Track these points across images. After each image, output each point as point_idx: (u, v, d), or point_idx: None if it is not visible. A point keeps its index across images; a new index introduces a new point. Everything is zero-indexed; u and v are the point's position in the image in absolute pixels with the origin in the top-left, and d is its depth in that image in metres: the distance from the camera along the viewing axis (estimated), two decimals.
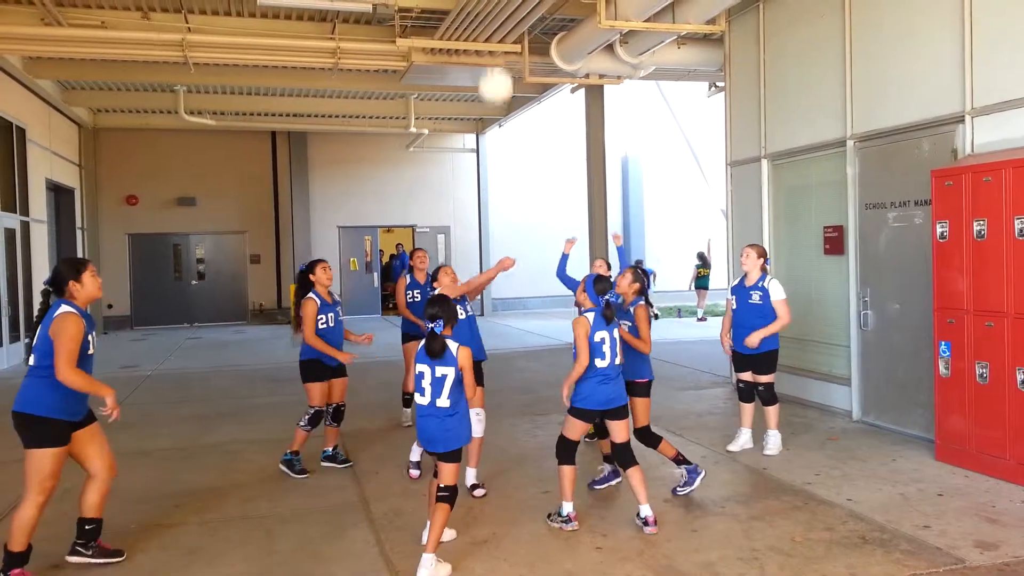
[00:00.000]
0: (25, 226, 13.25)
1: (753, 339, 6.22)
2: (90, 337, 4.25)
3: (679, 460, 5.39)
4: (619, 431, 4.95)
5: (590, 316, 4.86)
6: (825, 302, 8.05)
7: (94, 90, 15.43)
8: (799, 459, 6.24)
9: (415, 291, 7.61)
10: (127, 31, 10.13)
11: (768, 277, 6.39)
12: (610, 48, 10.36)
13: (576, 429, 4.96)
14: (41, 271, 14.15)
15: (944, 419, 6.05)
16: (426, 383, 4.31)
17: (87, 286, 4.29)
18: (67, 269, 4.31)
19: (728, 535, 4.69)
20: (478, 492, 5.56)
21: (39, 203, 14.16)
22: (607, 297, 4.90)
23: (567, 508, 4.85)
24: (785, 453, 6.41)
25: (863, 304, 7.35)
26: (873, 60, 7.27)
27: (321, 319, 6.04)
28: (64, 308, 4.18)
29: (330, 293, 6.25)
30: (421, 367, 4.33)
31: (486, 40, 9.87)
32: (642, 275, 5.50)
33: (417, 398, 4.36)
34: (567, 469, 4.90)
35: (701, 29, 9.01)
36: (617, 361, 4.88)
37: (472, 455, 5.64)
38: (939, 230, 6.03)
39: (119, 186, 18.23)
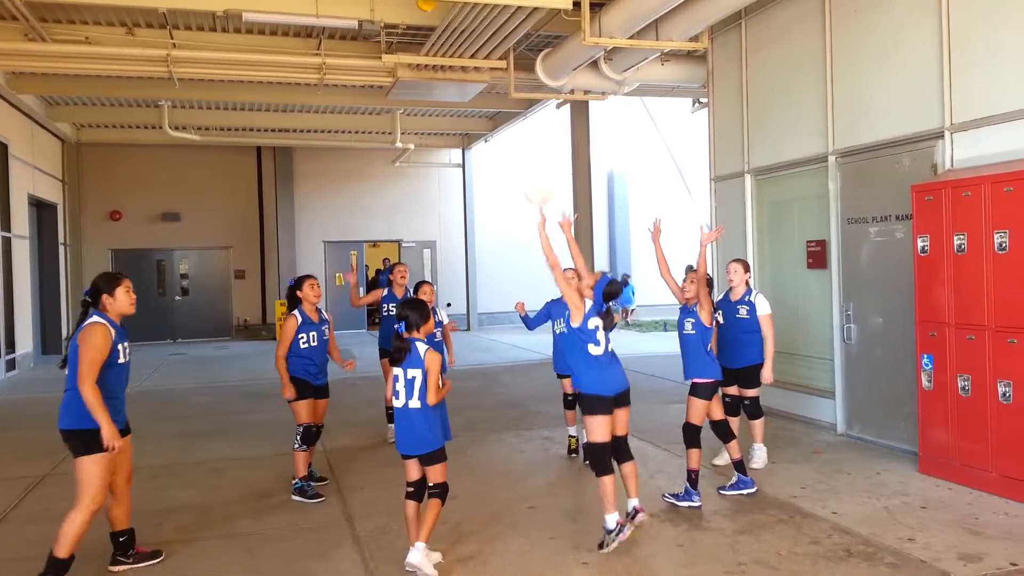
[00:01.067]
0: (7, 242, 13.14)
1: (767, 375, 6.27)
2: (120, 347, 4.39)
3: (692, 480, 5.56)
4: (624, 421, 4.95)
5: (588, 305, 4.90)
6: (808, 316, 8.11)
7: (78, 105, 15.36)
8: (784, 473, 6.26)
9: (391, 304, 7.64)
10: (111, 47, 10.09)
11: (754, 291, 6.44)
12: (595, 64, 10.44)
13: (599, 426, 4.74)
14: (23, 287, 14.05)
15: (927, 432, 6.09)
16: (400, 386, 4.38)
17: (119, 300, 4.45)
18: (103, 282, 4.47)
19: (714, 549, 4.69)
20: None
21: (21, 219, 14.05)
22: (610, 305, 4.95)
23: (612, 520, 4.65)
24: (770, 467, 6.43)
25: (846, 318, 7.41)
26: (854, 77, 7.36)
27: (303, 338, 5.93)
28: (94, 319, 4.33)
29: (318, 310, 6.15)
30: (396, 370, 4.41)
31: (472, 56, 9.92)
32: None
33: (394, 402, 4.43)
34: (607, 479, 4.69)
35: (684, 46, 9.10)
36: (610, 347, 4.90)
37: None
38: (920, 244, 6.10)
39: (103, 201, 18.12)
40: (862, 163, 7.31)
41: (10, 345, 13.25)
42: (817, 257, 7.88)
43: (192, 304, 19.05)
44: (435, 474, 4.42)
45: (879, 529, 4.94)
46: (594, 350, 4.81)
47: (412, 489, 4.48)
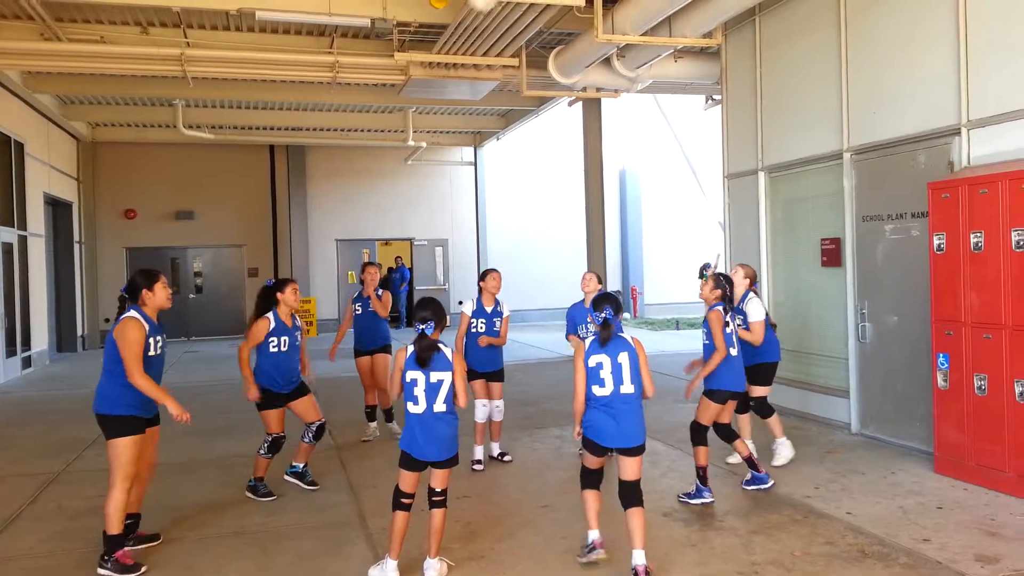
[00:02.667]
0: (23, 240, 13.25)
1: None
2: (151, 340, 4.64)
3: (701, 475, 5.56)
4: (631, 468, 4.40)
5: (587, 340, 4.48)
6: (823, 314, 8.05)
7: (93, 104, 15.46)
8: (799, 472, 6.22)
9: (357, 304, 7.72)
10: (126, 46, 10.16)
11: (748, 297, 6.34)
12: (607, 62, 10.40)
13: (590, 458, 4.50)
14: (38, 285, 14.16)
15: (943, 432, 6.03)
16: (419, 391, 4.21)
17: (158, 295, 4.71)
18: (142, 279, 4.71)
19: (728, 549, 4.66)
20: (507, 458, 6.76)
21: (37, 217, 14.17)
22: (604, 315, 4.36)
23: (592, 535, 4.50)
24: (785, 466, 6.39)
25: (861, 316, 7.35)
26: (869, 73, 7.30)
27: (273, 342, 5.87)
28: (129, 314, 4.62)
29: (292, 316, 6.09)
30: (413, 374, 4.21)
31: (484, 54, 9.90)
32: (724, 281, 5.59)
33: (410, 407, 4.24)
34: (588, 493, 4.54)
35: (698, 43, 9.05)
36: (623, 389, 4.31)
37: (478, 435, 6.61)
38: (936, 242, 6.04)
39: (117, 200, 18.23)
40: (877, 160, 7.25)
41: (26, 342, 13.37)
42: (832, 255, 7.82)
43: (206, 302, 19.15)
44: (444, 479, 4.31)
45: (894, 530, 4.90)
46: (597, 391, 4.34)
47: (408, 500, 4.32)
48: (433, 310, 4.29)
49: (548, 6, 8.17)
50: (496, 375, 6.72)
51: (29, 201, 13.56)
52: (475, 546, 4.81)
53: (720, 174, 9.77)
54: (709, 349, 5.51)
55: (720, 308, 5.51)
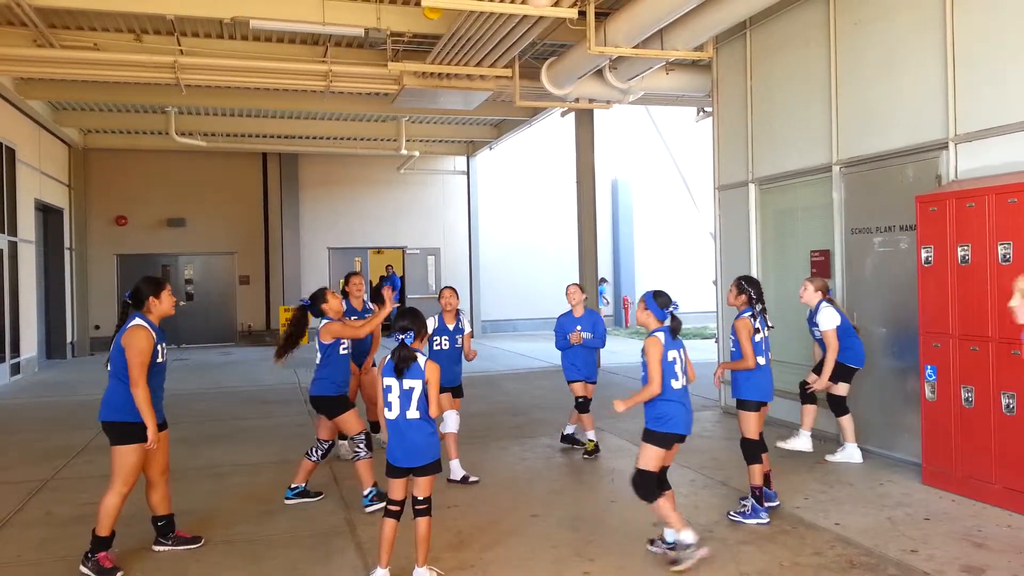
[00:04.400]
0: (13, 246, 13.20)
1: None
2: (159, 347, 4.72)
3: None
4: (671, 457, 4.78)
5: (660, 335, 4.64)
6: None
7: (85, 111, 15.43)
8: (788, 483, 6.24)
9: (352, 317, 7.37)
10: (119, 53, 10.15)
11: (822, 307, 6.64)
12: (600, 73, 10.47)
13: (655, 458, 4.63)
14: (28, 292, 14.09)
15: (930, 443, 6.08)
16: (393, 397, 4.24)
17: (163, 303, 4.77)
18: (148, 286, 4.77)
19: (716, 560, 4.68)
20: (472, 478, 6.37)
21: (27, 223, 14.12)
22: (671, 310, 4.66)
23: (688, 537, 4.52)
24: (773, 477, 6.40)
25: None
26: (858, 87, 7.37)
27: (344, 344, 6.06)
28: (136, 321, 4.66)
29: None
30: (388, 380, 4.26)
31: (477, 64, 9.94)
32: (747, 285, 5.55)
33: (386, 413, 4.28)
34: (661, 501, 4.61)
35: (689, 55, 9.12)
36: (684, 382, 4.71)
37: (451, 449, 6.30)
38: (924, 255, 6.10)
39: (108, 206, 18.18)
40: (866, 173, 7.32)
41: (15, 349, 13.29)
42: (821, 267, 7.88)
43: (197, 309, 19.09)
44: (426, 486, 4.30)
45: (882, 540, 4.93)
46: (675, 384, 4.63)
47: (396, 508, 4.34)
48: (412, 320, 4.33)
49: (541, 18, 8.22)
50: (457, 390, 6.67)
51: (20, 207, 13.51)
52: (464, 555, 4.81)
53: (711, 185, 9.83)
54: (737, 357, 5.48)
55: (748, 315, 5.43)
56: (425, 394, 4.24)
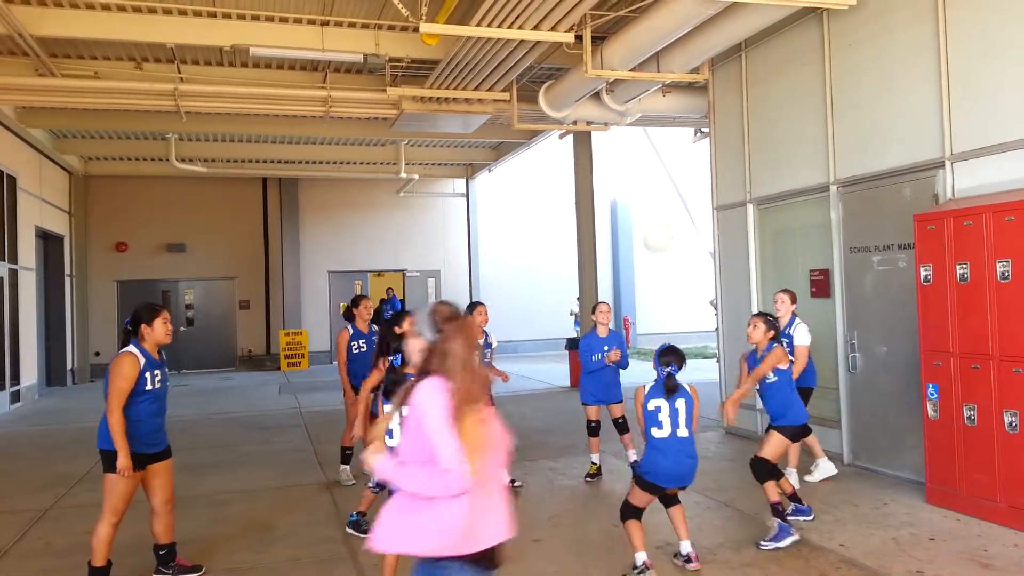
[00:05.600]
0: (13, 274, 13.21)
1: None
2: (148, 375, 4.66)
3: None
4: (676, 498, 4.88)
5: (646, 386, 4.75)
6: (813, 345, 8.06)
7: (86, 138, 15.52)
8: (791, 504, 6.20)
9: (360, 341, 7.23)
10: (120, 81, 10.24)
11: (796, 323, 6.66)
12: (597, 96, 10.54)
13: (640, 497, 4.77)
14: (29, 319, 14.09)
15: (934, 462, 6.05)
16: (394, 424, 4.11)
17: (156, 330, 4.72)
18: (144, 312, 4.76)
19: None
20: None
21: (28, 251, 14.14)
22: (668, 370, 4.68)
23: (640, 558, 4.68)
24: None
25: (851, 347, 7.39)
26: (854, 107, 7.42)
27: (355, 344, 6.24)
28: (126, 349, 4.64)
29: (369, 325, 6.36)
30: (388, 406, 4.24)
31: (475, 88, 10.02)
32: (774, 322, 5.62)
33: (388, 441, 4.18)
34: (632, 522, 4.75)
35: (685, 78, 9.19)
36: (680, 432, 4.62)
37: None
38: (923, 273, 6.11)
39: (109, 233, 18.22)
40: (864, 192, 7.35)
41: (15, 377, 13.27)
42: (820, 286, 7.88)
43: (197, 335, 19.07)
44: None
45: (887, 561, 4.89)
46: (656, 432, 4.64)
47: None
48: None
49: (539, 43, 8.30)
50: None
51: (20, 235, 13.54)
52: None
53: (709, 205, 9.87)
54: (774, 387, 5.49)
55: (780, 344, 5.51)
56: None
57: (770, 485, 5.35)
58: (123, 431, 4.49)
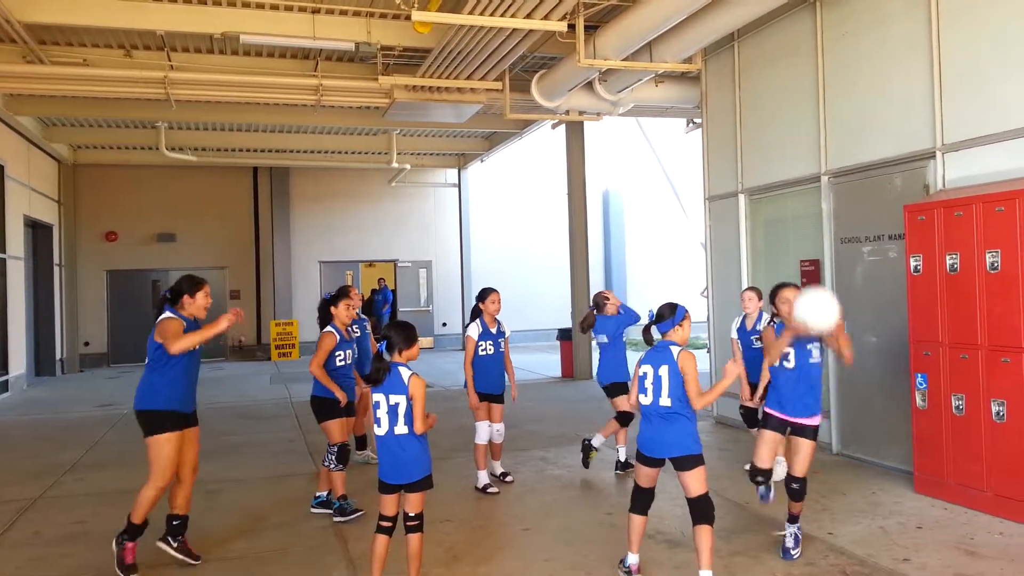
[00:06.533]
0: (2, 263, 13.13)
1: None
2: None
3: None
4: (686, 483, 4.37)
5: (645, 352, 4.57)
6: None
7: (75, 126, 15.40)
8: (780, 493, 6.22)
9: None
10: (109, 68, 10.16)
11: (764, 317, 6.62)
12: (589, 86, 10.52)
13: (639, 472, 4.53)
14: (17, 309, 14.01)
15: (922, 451, 6.09)
16: (381, 412, 4.20)
17: (197, 302, 4.92)
18: (187, 284, 4.94)
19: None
20: (492, 489, 6.48)
21: (16, 240, 14.04)
22: (648, 321, 4.50)
23: (630, 559, 4.57)
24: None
25: None
26: (846, 98, 7.42)
27: (339, 355, 6.07)
28: (167, 314, 4.80)
29: (348, 329, 6.26)
30: (377, 396, 4.22)
31: (468, 77, 9.99)
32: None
33: (376, 429, 4.24)
34: (632, 517, 4.55)
35: (678, 68, 9.18)
36: (661, 402, 4.35)
37: (478, 460, 6.57)
38: (913, 264, 6.13)
39: (98, 222, 18.11)
40: (855, 183, 7.36)
41: (3, 367, 13.20)
42: (811, 276, 7.91)
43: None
44: (417, 503, 4.24)
45: (875, 550, 4.93)
46: (641, 399, 4.45)
47: (388, 524, 4.27)
48: (396, 331, 4.28)
49: (531, 31, 8.27)
50: (499, 397, 6.69)
51: (9, 224, 13.44)
52: (457, 570, 4.79)
53: (701, 196, 9.87)
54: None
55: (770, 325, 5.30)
56: (411, 408, 4.16)
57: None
58: (196, 335, 4.69)
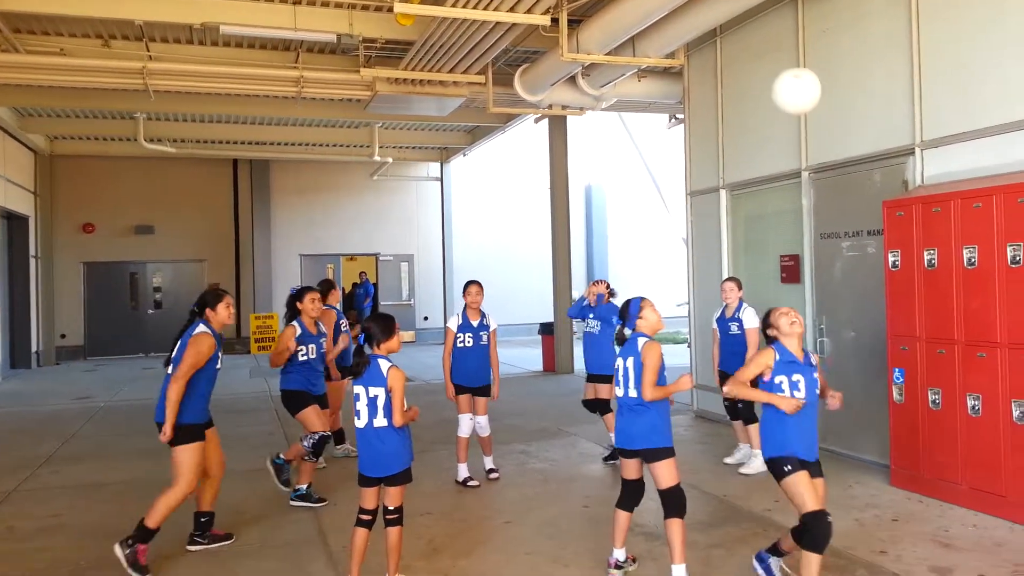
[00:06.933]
0: None
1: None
2: (219, 354, 4.98)
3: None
4: (655, 476, 4.31)
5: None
6: None
7: (51, 117, 15.18)
8: (758, 486, 6.28)
9: (309, 345, 6.23)
10: (87, 58, 9.99)
11: (744, 307, 6.82)
12: (572, 80, 10.51)
13: (622, 464, 4.53)
14: None
15: (898, 445, 6.15)
16: (360, 405, 4.19)
17: (220, 314, 5.03)
18: (210, 297, 5.07)
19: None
20: (472, 482, 6.48)
21: None
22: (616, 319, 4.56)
23: (616, 554, 4.50)
24: (745, 480, 6.47)
25: (819, 332, 7.48)
26: (827, 94, 7.41)
27: (302, 350, 6.09)
28: (201, 328, 4.91)
29: (316, 324, 6.30)
30: (357, 388, 4.22)
31: (450, 71, 9.94)
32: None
33: (356, 421, 4.23)
34: (617, 512, 4.47)
35: (660, 63, 9.19)
36: (630, 393, 4.33)
37: (459, 453, 6.55)
38: (891, 259, 6.19)
39: (75, 214, 17.89)
40: (835, 179, 7.41)
41: None
42: (791, 271, 7.96)
43: (165, 317, 18.76)
44: (396, 496, 4.23)
45: (852, 542, 4.97)
46: (616, 391, 4.48)
47: (367, 517, 4.27)
48: (376, 323, 4.28)
49: (514, 25, 8.24)
50: (482, 390, 6.61)
51: None
52: (437, 563, 4.78)
53: (683, 191, 9.91)
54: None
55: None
56: (390, 402, 4.15)
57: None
58: (179, 401, 4.71)
